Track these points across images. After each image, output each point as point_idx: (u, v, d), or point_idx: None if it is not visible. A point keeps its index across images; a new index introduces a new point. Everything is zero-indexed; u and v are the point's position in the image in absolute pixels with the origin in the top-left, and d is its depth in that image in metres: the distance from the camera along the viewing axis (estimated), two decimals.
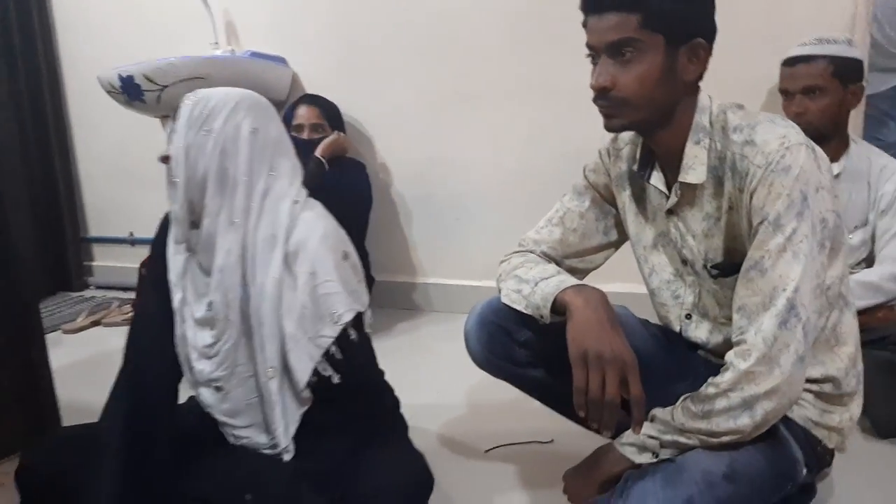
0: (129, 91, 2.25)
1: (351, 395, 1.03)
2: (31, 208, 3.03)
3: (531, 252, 1.19)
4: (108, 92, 2.34)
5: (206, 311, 1.02)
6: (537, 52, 2.19)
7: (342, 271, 1.01)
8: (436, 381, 1.85)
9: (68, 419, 1.62)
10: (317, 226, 1.03)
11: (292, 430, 1.01)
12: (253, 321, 1.00)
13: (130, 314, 2.65)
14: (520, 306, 1.07)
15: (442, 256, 2.49)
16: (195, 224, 1.05)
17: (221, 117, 1.01)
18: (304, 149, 2.18)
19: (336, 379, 1.00)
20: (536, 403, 1.27)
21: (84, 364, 2.19)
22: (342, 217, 2.14)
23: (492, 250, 2.36)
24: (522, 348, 1.14)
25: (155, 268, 1.12)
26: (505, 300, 1.12)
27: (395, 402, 1.21)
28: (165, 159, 1.04)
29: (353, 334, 1.01)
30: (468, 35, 2.26)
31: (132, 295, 2.91)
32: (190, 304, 1.05)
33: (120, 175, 3.15)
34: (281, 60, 2.52)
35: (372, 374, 1.12)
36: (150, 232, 3.12)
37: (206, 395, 1.06)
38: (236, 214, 1.01)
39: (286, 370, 1.00)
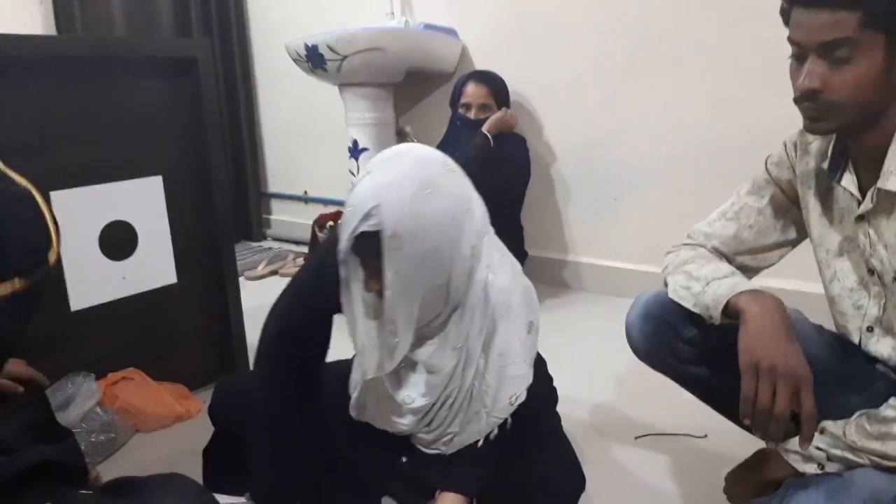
0: (314, 59, 2.43)
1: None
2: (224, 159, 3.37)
3: (702, 246, 1.16)
4: (295, 60, 2.53)
5: (411, 404, 1.04)
6: (726, 24, 2.06)
7: (527, 347, 1.02)
8: (584, 362, 1.87)
9: (252, 356, 1.82)
10: (514, 296, 1.01)
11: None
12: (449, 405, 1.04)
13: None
14: (688, 304, 1.06)
15: (598, 236, 2.47)
16: None
17: (448, 259, 0.92)
18: (470, 127, 2.25)
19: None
20: (690, 396, 1.26)
21: (263, 309, 2.43)
22: (499, 190, 2.23)
23: (652, 234, 2.34)
24: (687, 345, 1.12)
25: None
26: (672, 295, 1.10)
27: (555, 400, 1.24)
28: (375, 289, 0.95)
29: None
30: (647, 4, 2.18)
31: (305, 249, 3.18)
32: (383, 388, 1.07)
33: (298, 137, 3.41)
34: (452, 32, 2.59)
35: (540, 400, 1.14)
36: (323, 191, 3.40)
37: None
38: (460, 339, 0.99)
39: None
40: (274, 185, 3.62)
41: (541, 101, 2.47)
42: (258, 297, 2.53)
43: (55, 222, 0.71)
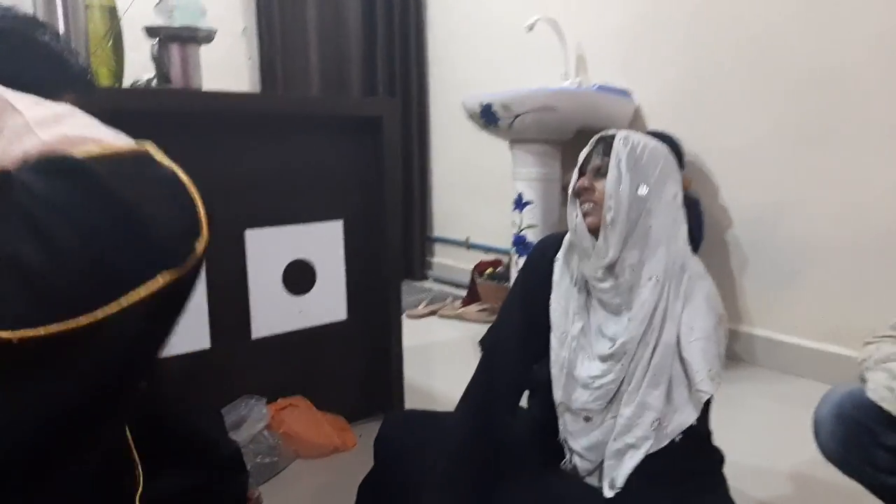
0: (487, 116, 2.51)
1: (686, 449, 1.02)
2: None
3: None
4: (469, 116, 2.64)
5: (609, 348, 1.06)
6: None
7: (717, 337, 1.01)
8: (753, 441, 1.72)
9: (407, 397, 1.89)
10: (704, 286, 1.04)
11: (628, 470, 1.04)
12: (648, 373, 1.02)
13: (461, 310, 2.97)
14: (891, 408, 0.96)
15: (774, 308, 2.29)
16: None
17: (654, 175, 1.06)
18: None
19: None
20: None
21: (421, 349, 2.52)
22: None
23: (834, 313, 2.14)
24: (888, 453, 1.01)
25: (530, 285, 1.20)
26: (872, 395, 1.00)
27: (721, 459, 1.16)
28: (586, 192, 1.08)
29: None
30: (838, 69, 2.04)
31: (463, 292, 3.26)
32: (589, 335, 1.10)
33: (464, 187, 3.54)
34: (625, 94, 2.57)
35: (707, 429, 1.09)
36: (484, 239, 3.47)
37: (570, 422, 1.11)
38: (658, 272, 1.04)
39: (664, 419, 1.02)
40: (439, 230, 3.77)
41: (717, 163, 2.37)
42: (417, 336, 2.63)
43: (205, 206, 0.62)
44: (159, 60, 1.48)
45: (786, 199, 2.21)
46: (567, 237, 1.15)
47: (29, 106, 0.61)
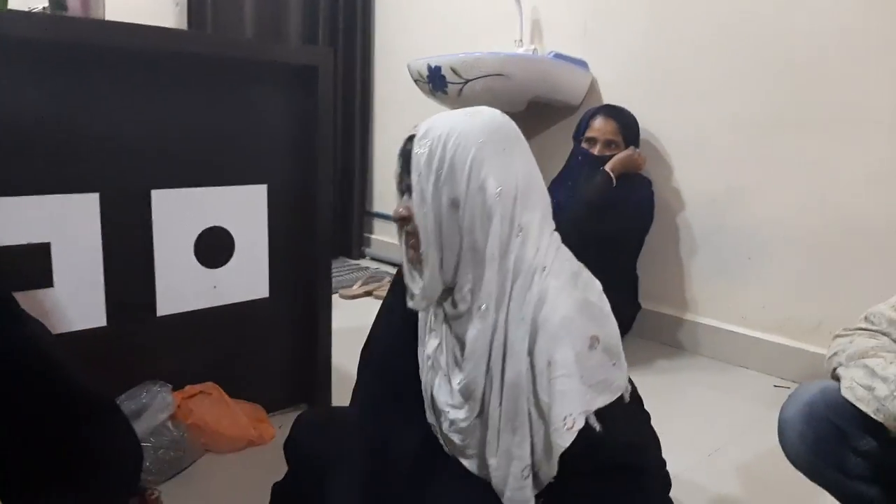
0: (435, 81, 2.34)
1: (606, 474, 0.85)
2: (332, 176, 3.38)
3: (885, 335, 0.94)
4: (416, 80, 2.46)
5: (458, 383, 0.90)
6: None
7: (589, 365, 0.83)
8: (694, 434, 1.64)
9: (336, 386, 1.71)
10: (560, 303, 0.84)
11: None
12: (494, 416, 0.86)
13: None
14: (868, 409, 0.85)
15: (723, 296, 2.22)
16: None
17: (464, 177, 0.85)
18: (592, 163, 2.08)
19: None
20: (827, 497, 1.02)
21: (354, 331, 2.33)
22: (617, 233, 2.04)
23: (787, 303, 2.07)
24: (859, 457, 0.91)
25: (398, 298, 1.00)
26: (847, 394, 0.89)
27: (667, 484, 1.03)
28: (404, 220, 0.90)
29: (597, 427, 0.82)
30: (800, 50, 1.95)
31: None
32: (446, 355, 0.94)
33: None
34: (582, 64, 2.44)
35: (633, 454, 0.92)
36: None
37: (449, 446, 0.96)
38: (487, 299, 0.86)
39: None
40: (379, 205, 3.58)
41: (673, 144, 2.27)
42: (350, 318, 2.45)
43: None
44: None
45: (740, 185, 2.12)
46: None
47: None
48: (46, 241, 1.24)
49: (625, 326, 2.04)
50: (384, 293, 2.80)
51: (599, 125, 2.11)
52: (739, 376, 2.09)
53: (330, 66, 1.54)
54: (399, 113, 3.35)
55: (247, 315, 1.55)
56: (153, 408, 1.33)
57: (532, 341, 0.83)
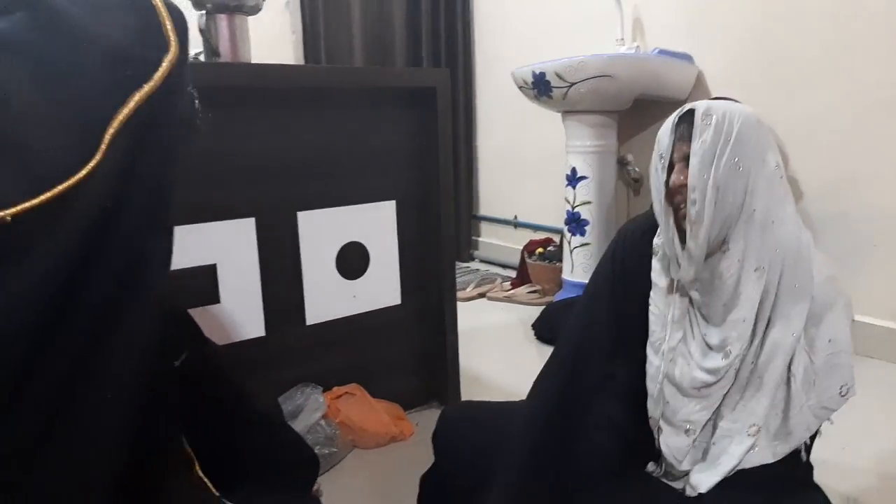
0: (540, 87, 2.40)
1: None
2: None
3: None
4: (520, 87, 2.53)
5: (722, 359, 0.94)
6: None
7: (852, 342, 0.92)
8: (825, 427, 1.61)
9: (463, 379, 1.81)
10: (840, 289, 0.93)
11: (715, 480, 0.95)
12: (745, 374, 0.93)
13: (510, 291, 2.88)
14: None
15: (850, 284, 2.13)
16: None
17: (751, 148, 0.92)
18: None
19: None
20: None
21: (472, 332, 2.44)
22: None
23: None
24: None
25: (621, 282, 1.07)
26: None
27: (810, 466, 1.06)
28: (679, 189, 0.93)
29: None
30: None
31: (512, 273, 3.17)
32: (690, 344, 0.98)
33: (510, 164, 3.43)
34: (687, 58, 2.43)
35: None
36: (532, 217, 3.37)
37: (669, 434, 1.00)
38: (763, 261, 0.92)
39: (778, 431, 0.93)
40: (485, 209, 3.67)
41: (786, 133, 2.22)
42: (466, 319, 2.55)
43: (175, 19, 0.57)
44: (206, 33, 1.41)
45: (859, 169, 2.05)
46: (656, 239, 1.03)
47: None
48: (213, 262, 1.41)
49: None
50: (496, 294, 2.90)
51: None
52: (869, 367, 2.02)
53: (447, 85, 1.64)
54: (501, 119, 3.43)
55: (382, 321, 1.68)
56: (308, 408, 1.48)
57: (816, 316, 0.91)
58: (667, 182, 0.94)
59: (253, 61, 1.51)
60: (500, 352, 2.31)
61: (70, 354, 0.53)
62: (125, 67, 0.52)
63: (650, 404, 1.01)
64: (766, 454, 0.92)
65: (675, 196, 0.93)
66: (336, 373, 1.63)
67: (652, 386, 1.01)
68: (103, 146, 0.49)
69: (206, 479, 0.87)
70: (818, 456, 1.02)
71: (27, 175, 0.47)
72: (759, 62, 2.26)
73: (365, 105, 1.57)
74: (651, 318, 1.02)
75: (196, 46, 1.50)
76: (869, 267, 2.09)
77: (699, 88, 2.43)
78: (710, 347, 0.95)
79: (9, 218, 0.46)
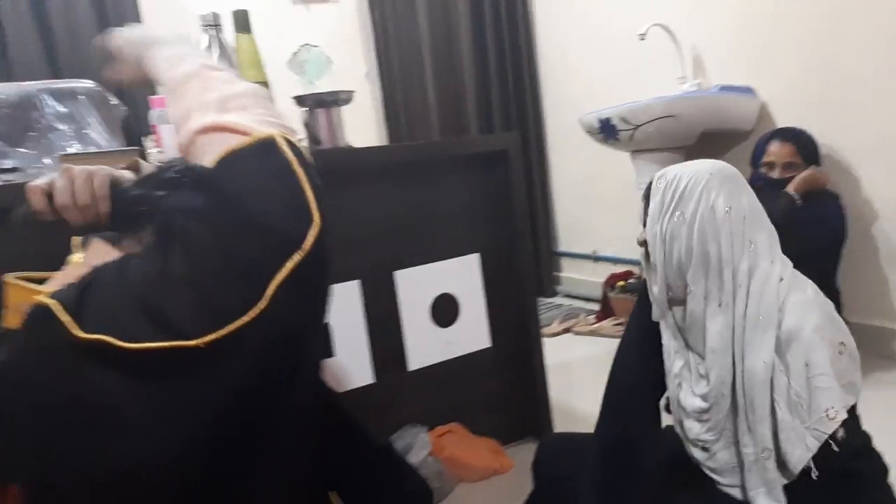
0: (606, 131, 2.54)
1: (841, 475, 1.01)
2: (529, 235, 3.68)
3: None
4: (588, 132, 2.68)
5: (705, 387, 1.07)
6: None
7: (839, 368, 0.98)
8: None
9: (554, 413, 1.94)
10: (810, 314, 1.00)
11: (777, 494, 1.04)
12: (741, 400, 1.04)
13: (595, 325, 2.99)
14: None
15: None
16: (673, 302, 1.12)
17: (693, 200, 1.05)
18: (773, 187, 2.14)
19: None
20: None
21: (560, 367, 2.57)
22: (811, 252, 2.06)
23: None
24: None
25: (644, 324, 1.21)
26: None
27: (884, 466, 1.13)
28: (642, 243, 1.15)
29: (840, 432, 0.98)
30: None
31: (595, 306, 3.27)
32: (691, 371, 1.13)
33: (586, 199, 3.55)
34: (748, 91, 2.51)
35: (865, 454, 1.07)
36: (611, 250, 3.47)
37: (694, 451, 1.14)
38: (724, 297, 1.04)
39: (779, 453, 1.02)
40: (564, 244, 3.79)
41: (856, 155, 2.26)
42: (554, 354, 2.67)
43: (317, 194, 0.68)
44: (309, 125, 1.65)
45: None
46: None
47: (225, 81, 0.77)
48: (326, 322, 1.62)
49: None
50: (581, 329, 3.02)
51: (776, 150, 2.17)
52: None
53: (517, 147, 1.82)
54: (574, 157, 3.57)
55: (475, 363, 1.84)
56: (416, 446, 1.66)
57: (785, 344, 1.00)
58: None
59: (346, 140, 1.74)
60: (588, 384, 2.40)
61: (253, 447, 0.68)
62: (278, 237, 0.67)
63: (674, 422, 1.16)
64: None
65: (643, 248, 1.13)
66: (437, 413, 1.80)
67: (673, 407, 1.16)
68: (266, 296, 0.64)
69: None
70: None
71: (209, 310, 0.63)
72: (821, 88, 2.32)
73: (446, 171, 1.77)
74: (664, 353, 1.17)
75: (300, 135, 1.75)
76: None
77: (764, 119, 2.50)
78: (701, 376, 1.09)
79: (203, 345, 0.62)
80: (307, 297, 0.70)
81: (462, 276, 1.81)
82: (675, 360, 1.14)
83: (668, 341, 1.16)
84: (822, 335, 0.99)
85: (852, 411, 1.01)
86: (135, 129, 1.85)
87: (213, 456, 0.65)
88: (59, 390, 0.63)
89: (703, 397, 1.08)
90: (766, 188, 2.17)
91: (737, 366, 1.04)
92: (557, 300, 3.66)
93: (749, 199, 1.09)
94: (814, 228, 2.08)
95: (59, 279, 0.76)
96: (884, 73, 2.14)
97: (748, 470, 1.04)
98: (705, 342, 1.07)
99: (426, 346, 1.76)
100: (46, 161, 1.59)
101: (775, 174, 2.16)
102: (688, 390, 1.12)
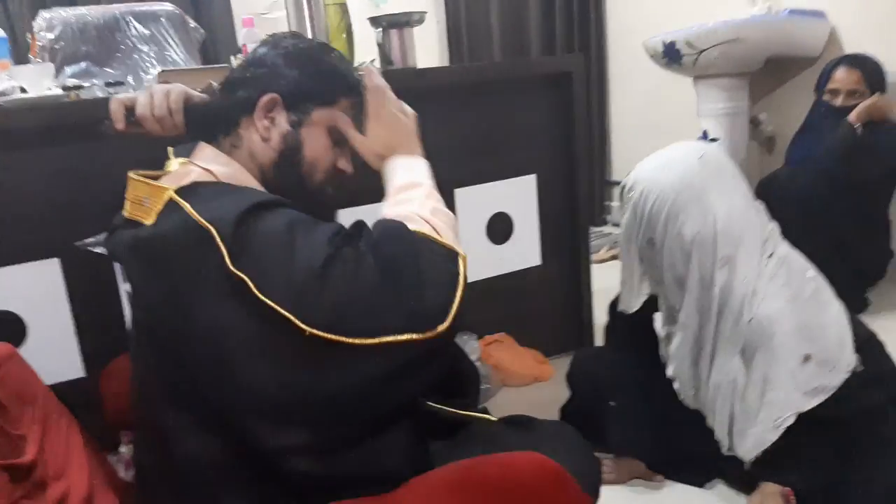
0: (671, 55, 2.51)
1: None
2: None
3: None
4: (651, 57, 2.65)
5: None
6: None
7: (800, 378, 1.03)
8: None
9: (597, 331, 2.04)
10: (779, 326, 1.04)
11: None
12: (706, 404, 1.13)
13: None
14: None
15: None
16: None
17: (661, 224, 1.09)
18: (835, 115, 2.11)
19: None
20: None
21: (606, 290, 2.62)
22: (865, 182, 2.06)
23: None
24: None
25: None
26: None
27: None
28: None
29: (855, 362, 1.05)
30: None
31: None
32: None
33: (647, 127, 3.51)
34: (819, 15, 2.43)
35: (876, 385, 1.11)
36: None
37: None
38: (688, 318, 1.10)
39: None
40: (618, 174, 3.79)
41: None
42: (601, 279, 2.75)
43: (463, 299, 0.74)
44: (383, 46, 1.70)
45: None
46: None
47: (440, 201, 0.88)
48: None
49: (877, 273, 2.07)
50: None
51: (841, 76, 2.13)
52: None
53: (582, 70, 1.84)
54: (634, 86, 3.51)
55: (526, 279, 1.94)
56: (466, 351, 1.78)
57: (749, 353, 1.06)
58: None
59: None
60: None
61: None
62: (417, 310, 0.72)
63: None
64: None
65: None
66: (487, 324, 1.91)
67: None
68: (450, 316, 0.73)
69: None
70: None
71: (416, 316, 0.71)
72: (892, 13, 2.23)
73: (509, 92, 1.81)
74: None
75: (373, 55, 1.80)
76: None
77: (832, 45, 2.43)
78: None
79: (416, 338, 0.70)
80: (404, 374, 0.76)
81: (518, 196, 1.87)
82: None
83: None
84: (787, 348, 1.03)
85: (869, 343, 1.08)
86: (210, 52, 1.94)
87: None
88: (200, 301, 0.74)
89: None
90: (828, 116, 2.15)
91: (702, 379, 1.12)
92: (607, 228, 3.69)
93: (723, 204, 1.08)
94: (871, 159, 2.06)
95: (173, 178, 0.87)
96: None
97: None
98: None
99: (480, 260, 1.85)
100: (130, 80, 1.69)
101: (838, 101, 2.13)
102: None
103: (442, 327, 0.72)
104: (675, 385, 1.22)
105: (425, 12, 1.72)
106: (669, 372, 1.20)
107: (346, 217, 0.95)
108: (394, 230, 0.77)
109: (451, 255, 0.77)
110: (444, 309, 0.73)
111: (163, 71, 1.48)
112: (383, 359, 0.71)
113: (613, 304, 1.39)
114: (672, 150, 1.15)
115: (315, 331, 0.70)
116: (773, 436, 1.04)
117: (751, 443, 1.08)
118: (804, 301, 1.08)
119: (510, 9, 3.44)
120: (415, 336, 0.70)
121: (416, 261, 0.74)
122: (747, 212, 1.12)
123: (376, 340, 0.70)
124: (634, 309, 1.20)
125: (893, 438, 1.15)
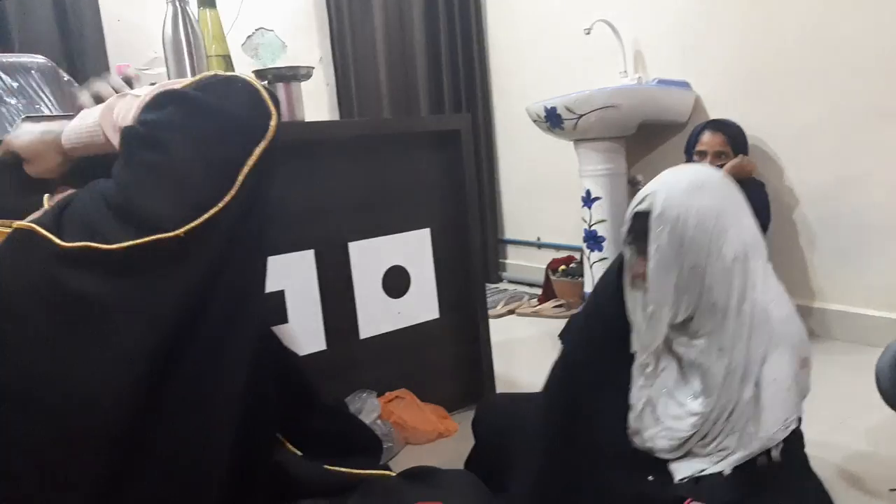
0: (552, 119, 2.66)
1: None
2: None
3: None
4: (534, 121, 2.79)
5: (700, 407, 1.08)
6: None
7: (800, 380, 1.06)
8: (833, 413, 1.80)
9: (496, 387, 2.05)
10: (786, 335, 1.05)
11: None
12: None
13: (537, 307, 3.11)
14: None
15: (846, 281, 2.34)
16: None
17: (705, 249, 1.01)
18: None
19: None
20: None
21: (503, 344, 2.67)
22: None
23: None
24: None
25: (605, 302, 1.24)
26: None
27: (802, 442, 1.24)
28: (639, 276, 1.10)
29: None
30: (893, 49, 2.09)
31: (538, 290, 3.40)
32: (668, 382, 1.13)
33: (531, 187, 3.68)
34: (684, 85, 2.67)
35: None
36: (554, 237, 3.60)
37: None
38: (725, 341, 1.04)
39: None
40: (510, 232, 3.92)
41: (780, 145, 2.44)
42: (498, 333, 2.78)
43: (270, 94, 0.81)
44: None
45: (849, 174, 2.27)
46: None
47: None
48: (282, 289, 1.67)
49: None
50: (524, 310, 3.14)
51: (707, 139, 2.33)
52: (871, 354, 2.18)
53: (469, 127, 1.90)
54: (520, 148, 3.69)
55: (424, 333, 1.92)
56: (366, 410, 1.73)
57: (762, 360, 1.05)
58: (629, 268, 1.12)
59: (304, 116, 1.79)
60: (530, 359, 2.54)
61: (198, 355, 0.75)
62: (247, 130, 0.79)
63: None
64: None
65: (635, 278, 1.11)
66: (387, 380, 1.87)
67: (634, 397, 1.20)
68: (237, 183, 0.75)
69: (297, 452, 1.12)
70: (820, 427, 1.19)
71: (186, 202, 0.72)
72: (749, 83, 2.49)
73: (401, 148, 1.84)
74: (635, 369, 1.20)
75: None
76: (860, 264, 2.29)
77: (698, 111, 2.67)
78: (684, 389, 1.15)
79: (182, 234, 0.70)
80: (265, 179, 0.81)
81: (414, 249, 1.88)
82: (641, 357, 1.15)
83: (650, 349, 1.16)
84: (792, 352, 1.05)
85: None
86: (87, 105, 1.85)
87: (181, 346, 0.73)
88: (45, 297, 0.68)
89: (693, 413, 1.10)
90: None
91: (735, 399, 1.08)
92: (503, 285, 3.78)
93: (748, 219, 1.08)
94: None
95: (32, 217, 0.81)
96: (805, 70, 2.32)
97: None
98: (704, 379, 1.08)
99: (377, 315, 1.83)
100: None
101: (707, 162, 2.32)
102: (666, 397, 1.14)
103: (272, 124, 0.81)
104: (631, 416, 1.16)
105: (312, 67, 1.74)
106: (640, 403, 1.14)
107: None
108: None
109: (230, 77, 0.84)
110: (263, 111, 0.81)
111: (27, 116, 1.40)
112: None
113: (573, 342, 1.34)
114: (692, 173, 1.10)
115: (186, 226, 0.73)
116: (779, 436, 1.04)
117: (749, 450, 1.07)
118: (797, 323, 1.12)
119: (399, 69, 3.55)
120: (259, 151, 0.79)
121: (219, 107, 0.79)
122: (753, 220, 1.12)
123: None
124: (655, 346, 1.11)
125: (808, 465, 1.17)
